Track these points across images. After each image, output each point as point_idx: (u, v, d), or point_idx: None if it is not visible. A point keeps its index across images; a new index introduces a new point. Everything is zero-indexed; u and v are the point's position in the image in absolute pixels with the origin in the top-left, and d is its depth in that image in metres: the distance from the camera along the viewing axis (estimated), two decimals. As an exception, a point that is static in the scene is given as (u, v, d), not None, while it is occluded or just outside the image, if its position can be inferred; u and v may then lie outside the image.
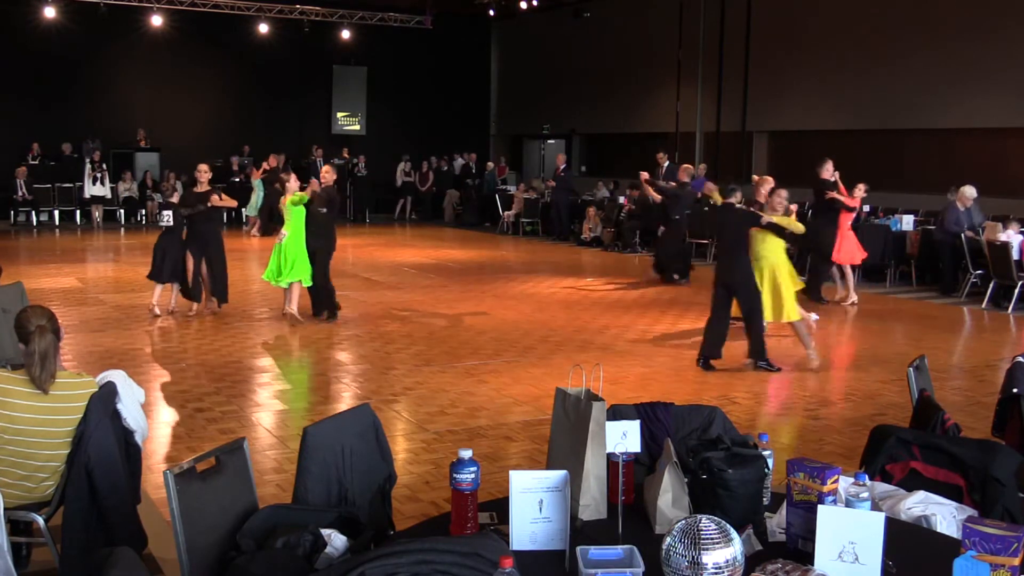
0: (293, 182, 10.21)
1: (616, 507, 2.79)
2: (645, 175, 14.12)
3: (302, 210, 9.94)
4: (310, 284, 10.13)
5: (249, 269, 14.52)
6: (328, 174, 10.31)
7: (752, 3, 19.95)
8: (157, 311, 10.34)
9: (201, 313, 10.48)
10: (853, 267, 12.23)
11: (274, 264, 10.03)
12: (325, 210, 10.12)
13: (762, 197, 8.49)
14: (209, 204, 10.14)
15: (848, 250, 12.05)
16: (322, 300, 10.34)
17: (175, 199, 10.51)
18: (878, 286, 13.53)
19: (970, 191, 12.91)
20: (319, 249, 10.08)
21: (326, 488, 3.16)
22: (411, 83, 25.94)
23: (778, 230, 8.11)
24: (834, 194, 11.80)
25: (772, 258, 8.31)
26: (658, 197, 13.88)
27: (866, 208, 15.78)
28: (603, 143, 24.87)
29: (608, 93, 23.66)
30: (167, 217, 10.28)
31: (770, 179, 8.93)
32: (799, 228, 8.33)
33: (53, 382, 3.65)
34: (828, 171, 12.00)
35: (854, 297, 11.98)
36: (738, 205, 8.20)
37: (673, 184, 14.37)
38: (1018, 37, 15.39)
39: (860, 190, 12.01)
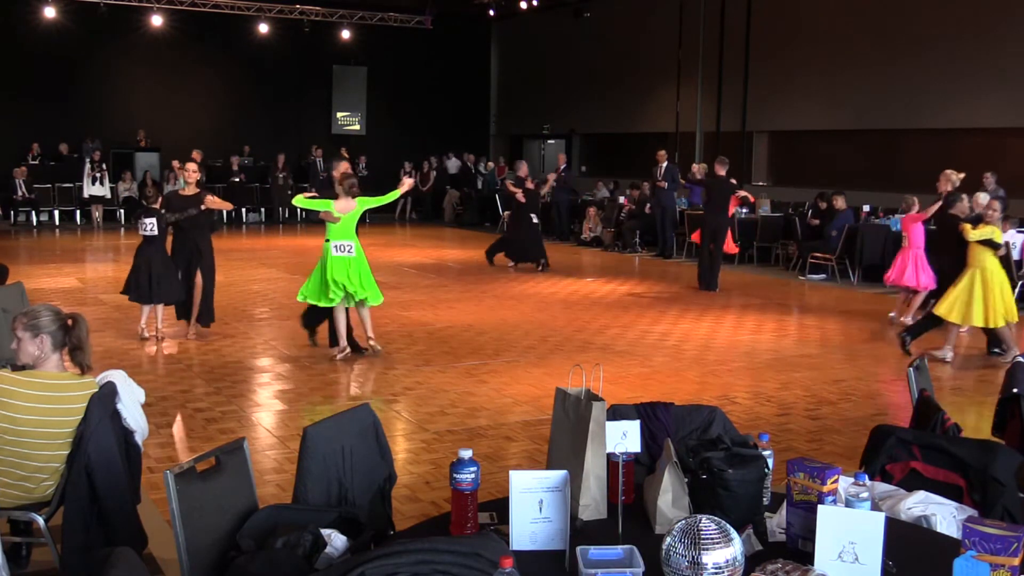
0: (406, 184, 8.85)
1: (616, 507, 2.79)
2: (509, 183, 15.75)
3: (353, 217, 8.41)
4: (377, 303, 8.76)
5: (247, 268, 14.51)
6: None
7: (752, 3, 19.95)
8: (146, 333, 9.23)
9: (187, 336, 9.37)
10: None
11: (317, 280, 8.34)
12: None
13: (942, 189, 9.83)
14: (203, 207, 9.15)
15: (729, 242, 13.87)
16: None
17: (158, 204, 9.17)
18: (878, 286, 13.50)
19: (983, 198, 13.14)
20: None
21: (326, 488, 3.16)
22: (411, 83, 25.95)
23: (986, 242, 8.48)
24: (743, 193, 13.58)
25: (981, 260, 8.51)
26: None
27: (866, 208, 15.80)
28: (603, 143, 24.87)
29: (608, 93, 23.66)
30: (150, 225, 8.98)
31: (951, 172, 10.15)
32: (999, 237, 8.61)
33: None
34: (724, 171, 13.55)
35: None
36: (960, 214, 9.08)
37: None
38: (1018, 37, 15.39)
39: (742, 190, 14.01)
